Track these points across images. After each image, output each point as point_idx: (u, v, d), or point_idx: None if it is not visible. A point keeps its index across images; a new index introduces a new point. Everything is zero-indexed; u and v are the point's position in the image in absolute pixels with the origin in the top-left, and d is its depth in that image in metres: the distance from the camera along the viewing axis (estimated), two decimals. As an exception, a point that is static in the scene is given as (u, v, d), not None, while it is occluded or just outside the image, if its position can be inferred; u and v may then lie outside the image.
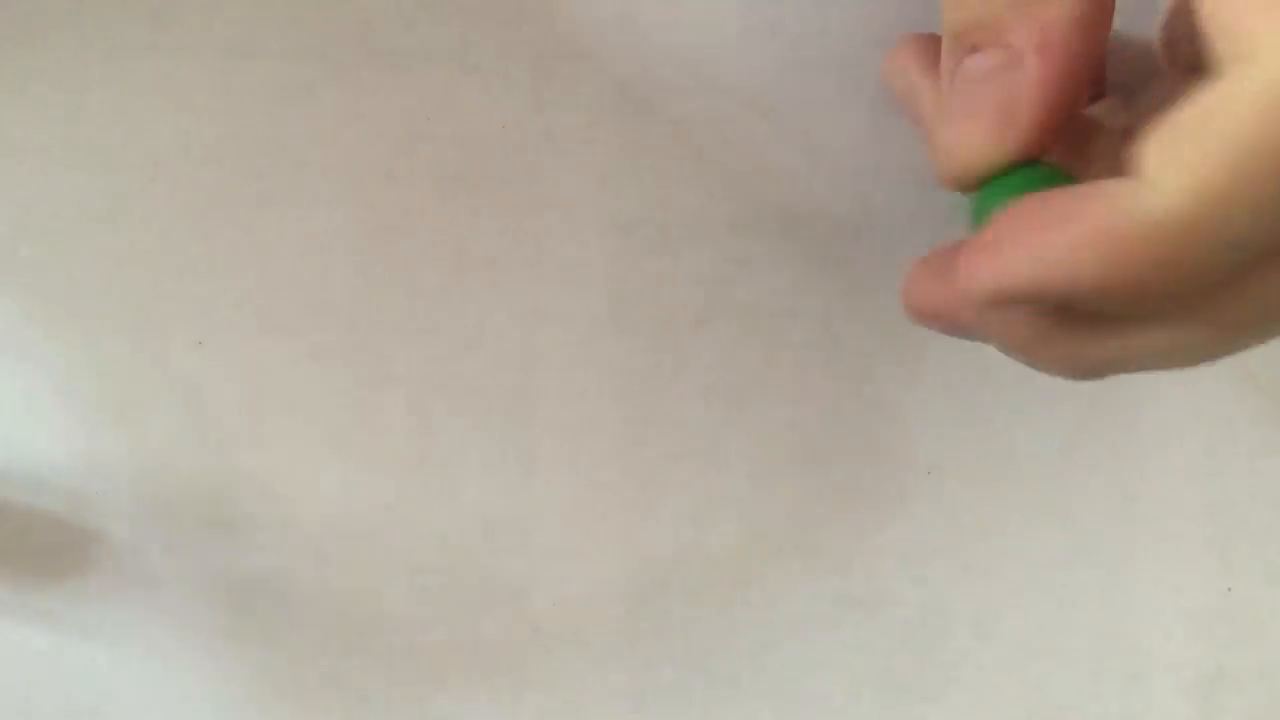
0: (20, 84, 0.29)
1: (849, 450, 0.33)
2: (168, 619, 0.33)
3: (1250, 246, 0.20)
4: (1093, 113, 0.28)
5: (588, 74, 0.31)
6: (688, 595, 0.34)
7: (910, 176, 0.33)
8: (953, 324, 0.26)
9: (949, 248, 0.26)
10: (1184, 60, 0.26)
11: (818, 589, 0.34)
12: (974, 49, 0.24)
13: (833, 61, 0.32)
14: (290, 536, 0.33)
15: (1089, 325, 0.23)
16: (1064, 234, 0.21)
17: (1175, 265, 0.20)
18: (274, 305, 0.30)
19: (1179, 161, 0.20)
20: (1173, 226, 0.20)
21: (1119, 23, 0.25)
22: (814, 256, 0.33)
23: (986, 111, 0.24)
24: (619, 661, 0.34)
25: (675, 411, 0.33)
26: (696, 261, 0.33)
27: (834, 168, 0.33)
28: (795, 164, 0.33)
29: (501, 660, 0.34)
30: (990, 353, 0.33)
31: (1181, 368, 0.23)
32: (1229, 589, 0.34)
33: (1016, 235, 0.21)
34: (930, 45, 0.29)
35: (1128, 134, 0.25)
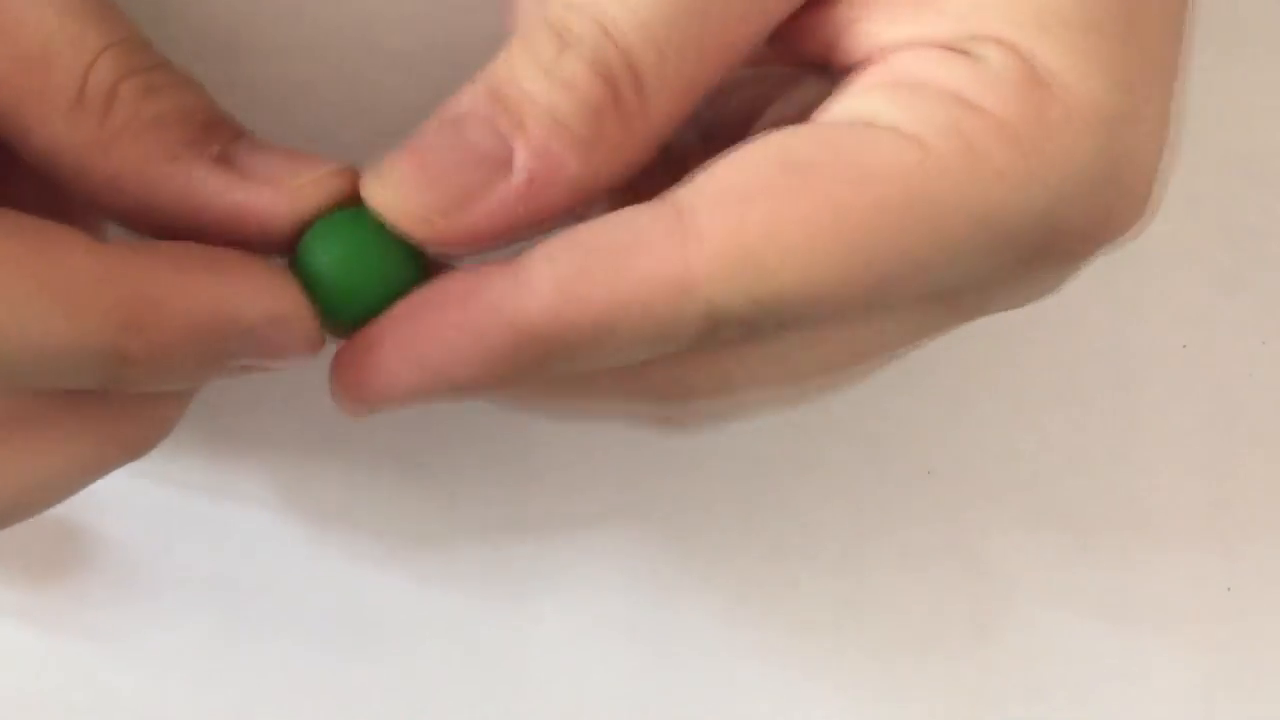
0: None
1: (849, 450, 0.33)
2: (167, 619, 0.33)
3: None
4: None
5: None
6: (687, 595, 0.34)
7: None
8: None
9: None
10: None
11: (818, 589, 0.34)
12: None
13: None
14: (288, 537, 0.33)
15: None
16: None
17: None
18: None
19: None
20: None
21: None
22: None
23: (452, 178, 0.20)
24: (618, 660, 0.34)
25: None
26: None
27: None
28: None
29: (501, 659, 0.34)
30: (989, 353, 0.33)
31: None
32: (1229, 589, 0.34)
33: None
34: None
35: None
